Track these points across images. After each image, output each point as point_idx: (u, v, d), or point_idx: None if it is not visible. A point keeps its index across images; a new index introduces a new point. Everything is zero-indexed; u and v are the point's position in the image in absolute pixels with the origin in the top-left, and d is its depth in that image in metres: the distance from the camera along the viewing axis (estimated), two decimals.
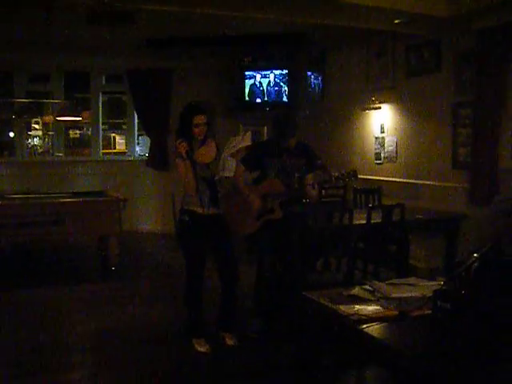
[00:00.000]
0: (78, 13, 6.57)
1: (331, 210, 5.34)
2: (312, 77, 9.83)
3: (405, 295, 3.12)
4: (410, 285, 3.33)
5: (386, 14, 6.41)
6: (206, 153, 4.80)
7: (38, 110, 11.96)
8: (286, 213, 5.07)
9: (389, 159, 8.03)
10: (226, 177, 4.80)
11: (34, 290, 6.74)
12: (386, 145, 8.08)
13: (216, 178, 4.85)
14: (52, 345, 5.04)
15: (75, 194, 8.02)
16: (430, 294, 2.74)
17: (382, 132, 8.15)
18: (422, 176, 7.42)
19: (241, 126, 10.17)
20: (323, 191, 7.13)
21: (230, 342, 4.94)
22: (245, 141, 4.72)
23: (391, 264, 5.94)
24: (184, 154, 4.61)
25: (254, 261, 5.46)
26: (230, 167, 4.77)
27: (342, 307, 2.95)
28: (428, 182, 7.28)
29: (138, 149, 11.22)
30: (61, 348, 5.00)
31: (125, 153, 11.53)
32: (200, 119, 4.70)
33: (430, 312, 2.70)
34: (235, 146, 4.76)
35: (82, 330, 5.47)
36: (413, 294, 3.13)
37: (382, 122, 8.15)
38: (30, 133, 12.07)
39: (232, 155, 4.75)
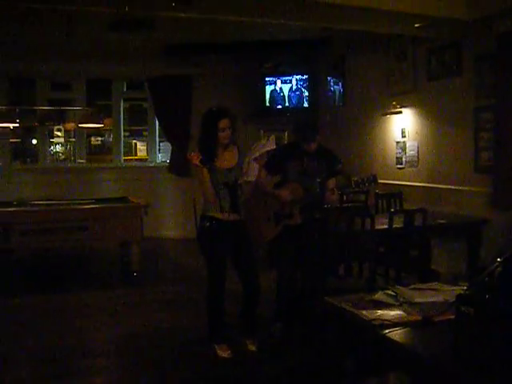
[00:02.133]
0: (100, 21, 6.62)
1: (353, 214, 5.32)
2: (332, 82, 9.82)
3: (428, 300, 3.10)
4: (432, 290, 3.30)
5: (406, 18, 6.39)
6: (229, 158, 4.80)
7: (60, 118, 12.07)
8: (306, 218, 5.06)
9: (410, 164, 7.98)
10: (247, 181, 4.79)
11: (57, 296, 6.79)
12: (407, 149, 8.04)
13: (239, 181, 4.84)
14: (75, 349, 5.07)
15: (97, 201, 8.08)
16: (453, 299, 2.71)
17: (404, 136, 8.11)
18: (443, 180, 7.37)
19: (262, 131, 10.19)
20: (344, 196, 7.12)
21: (251, 347, 4.93)
22: (269, 145, 4.72)
23: (413, 269, 5.91)
24: (198, 163, 4.61)
25: (274, 266, 5.46)
26: (252, 172, 4.76)
27: (365, 312, 2.94)
28: (450, 187, 7.22)
29: (159, 155, 11.27)
30: (84, 353, 5.02)
31: (146, 159, 11.60)
32: (225, 123, 4.69)
33: (453, 317, 2.68)
34: (259, 149, 4.75)
35: (105, 335, 5.51)
36: (436, 299, 3.11)
37: (403, 126, 8.11)
38: (52, 140, 12.19)
39: (256, 159, 4.74)
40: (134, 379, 4.54)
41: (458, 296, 2.61)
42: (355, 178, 5.01)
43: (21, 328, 5.68)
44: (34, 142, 11.69)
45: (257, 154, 4.79)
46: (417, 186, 7.74)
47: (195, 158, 4.60)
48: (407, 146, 8.04)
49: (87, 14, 6.51)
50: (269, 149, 4.88)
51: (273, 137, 5.02)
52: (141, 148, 12.65)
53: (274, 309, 5.37)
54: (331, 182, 5.03)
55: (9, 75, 10.35)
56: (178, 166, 10.43)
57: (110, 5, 5.54)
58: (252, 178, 4.81)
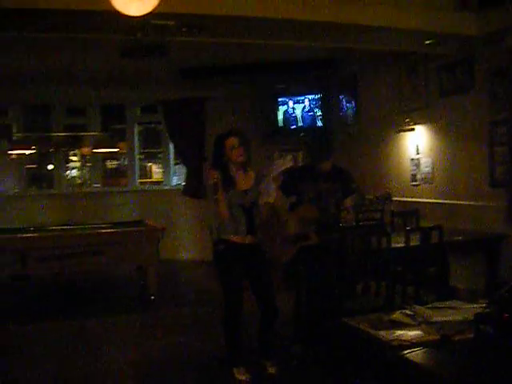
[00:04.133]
0: (113, 47, 6.70)
1: (368, 233, 5.30)
2: (345, 100, 9.84)
3: (446, 319, 3.07)
4: (451, 308, 3.28)
5: (416, 36, 6.41)
6: (245, 180, 4.81)
7: (75, 143, 12.18)
8: (322, 238, 5.05)
9: (425, 180, 7.95)
10: (267, 203, 4.79)
11: (75, 321, 6.79)
12: (421, 166, 8.01)
13: (260, 202, 4.83)
14: (93, 374, 5.07)
15: (114, 225, 8.12)
16: (472, 318, 2.69)
17: (418, 153, 8.09)
18: (459, 196, 7.32)
19: (276, 152, 10.20)
20: (360, 215, 7.10)
21: (270, 369, 4.90)
22: (286, 163, 4.76)
23: (431, 286, 5.86)
24: (212, 185, 4.63)
25: (291, 287, 5.44)
26: (271, 192, 4.77)
27: (383, 333, 2.92)
28: (466, 202, 7.18)
29: (174, 178, 11.31)
30: (102, 377, 5.03)
31: (161, 182, 11.65)
32: (232, 141, 4.72)
33: (472, 336, 2.65)
34: (277, 168, 4.76)
35: (122, 359, 5.49)
36: (454, 318, 3.08)
37: (416, 143, 8.09)
38: (68, 165, 12.27)
39: (273, 179, 4.75)
40: None
41: (477, 315, 2.60)
42: (370, 197, 5.01)
43: (38, 353, 5.69)
44: (50, 167, 11.78)
45: (275, 174, 4.80)
46: (432, 203, 7.70)
47: (213, 177, 4.63)
48: (421, 162, 8.02)
49: (100, 40, 6.59)
50: (286, 167, 4.89)
51: (290, 156, 5.05)
52: (156, 171, 12.68)
53: (293, 330, 5.35)
54: (346, 202, 5.03)
55: (24, 102, 10.47)
56: (193, 188, 10.47)
57: (122, 32, 5.61)
58: (272, 199, 4.81)
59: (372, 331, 2.98)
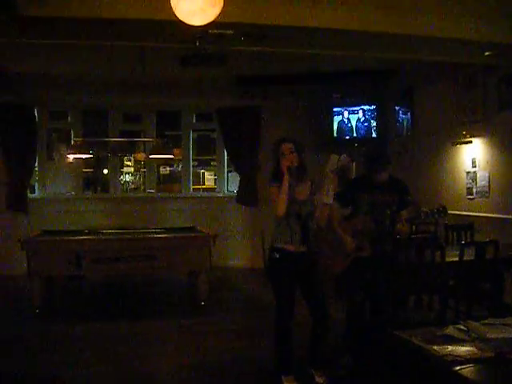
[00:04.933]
0: (171, 55, 6.81)
1: (423, 246, 5.24)
2: (400, 111, 9.76)
3: (501, 336, 3.02)
4: (506, 325, 3.22)
5: (475, 47, 6.34)
6: (302, 190, 4.80)
7: (130, 148, 12.40)
8: (375, 250, 5.02)
9: (481, 194, 7.83)
10: (325, 204, 4.77)
11: (125, 323, 6.89)
12: (478, 179, 7.90)
13: (313, 211, 4.82)
14: (142, 378, 5.15)
15: (166, 230, 8.22)
16: None
17: (474, 166, 7.98)
18: None
19: (332, 154, 10.16)
20: (413, 227, 7.03)
21: (319, 380, 4.87)
22: (342, 160, 4.75)
23: (485, 302, 5.76)
24: (285, 169, 4.65)
25: (344, 298, 5.42)
26: (329, 193, 4.75)
27: (436, 347, 2.89)
28: None
29: (227, 185, 11.39)
30: (150, 381, 5.11)
31: (214, 189, 11.74)
32: (287, 147, 4.74)
33: None
34: (332, 164, 4.75)
35: (170, 364, 5.54)
36: (509, 335, 3.03)
37: (473, 156, 7.98)
38: (122, 170, 12.49)
39: (330, 178, 4.73)
40: None
41: None
42: (425, 209, 4.95)
43: (90, 354, 5.81)
44: (105, 171, 12.01)
45: (330, 169, 4.79)
46: (488, 217, 7.57)
47: (290, 160, 4.67)
48: (478, 176, 7.90)
49: (159, 48, 6.72)
50: (342, 164, 4.87)
51: (344, 155, 5.02)
52: (208, 177, 12.81)
53: (344, 341, 5.32)
54: (402, 214, 4.99)
55: (82, 108, 10.71)
56: (246, 195, 10.53)
57: (182, 40, 5.70)
58: (329, 200, 4.79)
59: (425, 345, 2.95)
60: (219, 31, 5.47)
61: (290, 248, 4.74)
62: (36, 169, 10.62)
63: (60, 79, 9.30)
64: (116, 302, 8.07)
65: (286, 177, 4.66)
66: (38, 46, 6.96)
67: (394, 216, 4.96)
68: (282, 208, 4.67)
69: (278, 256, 4.78)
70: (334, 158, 4.92)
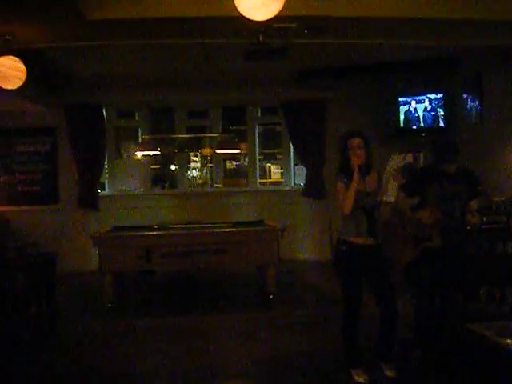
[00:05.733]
0: (235, 50, 6.86)
1: (494, 237, 5.13)
2: (469, 99, 9.54)
3: None
4: None
5: None
6: (368, 182, 4.76)
7: (197, 144, 12.54)
8: (445, 241, 4.94)
9: None
10: (386, 202, 4.74)
11: (193, 318, 7.00)
12: None
13: (379, 203, 4.79)
14: (210, 371, 5.20)
15: (235, 224, 8.28)
16: None
17: None
18: None
19: (396, 153, 10.04)
20: (484, 218, 6.87)
21: (389, 372, 4.83)
22: (404, 160, 4.72)
23: None
24: (355, 167, 4.62)
25: (412, 290, 5.36)
26: (391, 191, 4.72)
27: (509, 341, 2.84)
28: None
29: (293, 178, 11.38)
30: (220, 375, 5.16)
31: (281, 182, 11.76)
32: (355, 142, 4.70)
33: None
34: (393, 165, 4.72)
35: (240, 357, 5.59)
36: None
37: None
38: (189, 165, 12.64)
39: (393, 177, 4.71)
40: None
41: None
42: (496, 200, 4.85)
43: (159, 348, 5.91)
44: (173, 167, 12.18)
45: (391, 169, 4.76)
46: None
47: (358, 161, 4.65)
48: None
49: (224, 44, 6.77)
50: (404, 164, 4.83)
51: (409, 154, 4.97)
52: (275, 171, 12.82)
53: (413, 333, 5.26)
54: (472, 205, 4.89)
55: (149, 106, 10.89)
56: (313, 188, 10.52)
57: (245, 35, 5.73)
58: (391, 198, 4.76)
59: (498, 339, 2.90)
60: (282, 25, 5.47)
61: (358, 241, 4.72)
62: (106, 166, 10.87)
63: (127, 79, 9.51)
64: (186, 297, 8.18)
65: (356, 177, 4.63)
66: (104, 48, 7.13)
67: (463, 207, 4.87)
68: (349, 206, 4.65)
69: (345, 249, 4.77)
70: (397, 157, 4.89)
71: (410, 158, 4.94)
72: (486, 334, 2.98)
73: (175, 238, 7.60)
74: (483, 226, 6.57)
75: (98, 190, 10.67)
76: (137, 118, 11.14)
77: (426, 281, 5.12)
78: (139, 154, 10.55)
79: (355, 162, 4.67)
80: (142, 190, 11.15)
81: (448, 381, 4.60)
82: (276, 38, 5.91)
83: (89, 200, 10.37)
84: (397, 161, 4.79)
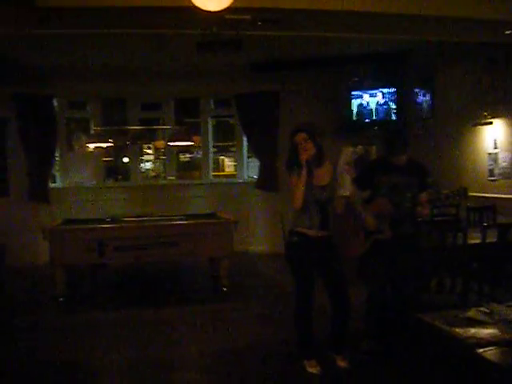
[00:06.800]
0: (188, 42, 6.80)
1: (444, 229, 5.21)
2: (420, 94, 9.68)
3: None
4: None
5: (495, 26, 6.25)
6: (323, 175, 4.79)
7: (150, 136, 12.43)
8: (396, 233, 4.99)
9: (503, 175, 7.75)
10: (343, 196, 4.76)
11: (146, 310, 6.93)
12: (499, 161, 7.82)
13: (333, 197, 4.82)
14: (164, 364, 5.16)
15: (188, 217, 8.24)
16: None
17: (495, 148, 7.90)
18: None
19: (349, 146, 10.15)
20: (435, 210, 6.99)
21: (341, 363, 4.88)
22: (356, 153, 4.77)
23: (508, 284, 5.72)
24: (303, 162, 4.64)
25: (364, 281, 5.41)
26: (346, 185, 4.74)
27: (458, 330, 2.88)
28: None
29: (247, 171, 11.38)
30: (173, 366, 5.12)
31: (234, 175, 11.75)
32: (300, 137, 4.71)
33: None
34: (346, 158, 4.74)
35: (194, 349, 5.56)
36: None
37: (494, 137, 7.90)
38: (142, 158, 12.53)
39: (346, 170, 4.72)
40: None
41: None
42: (445, 191, 4.92)
43: (114, 339, 5.86)
44: (126, 160, 12.06)
45: (343, 162, 4.77)
46: (510, 199, 7.50)
47: (305, 155, 4.66)
48: (499, 157, 7.82)
49: (176, 35, 6.71)
50: (356, 156, 4.86)
51: (360, 147, 5.00)
52: (228, 164, 12.81)
53: (365, 324, 5.31)
54: (422, 196, 4.95)
55: (101, 97, 10.75)
56: (266, 181, 10.53)
57: (198, 27, 5.69)
58: (347, 192, 4.78)
59: (447, 328, 2.94)
60: (236, 16, 5.45)
61: (310, 232, 4.74)
62: (57, 159, 10.69)
63: (78, 69, 9.35)
64: (139, 290, 8.13)
65: (304, 172, 4.66)
66: (55, 37, 7.00)
67: (414, 198, 4.93)
68: (299, 201, 4.68)
69: (296, 240, 4.79)
70: (348, 150, 4.91)
71: (360, 150, 5.00)
72: (436, 323, 3.02)
73: (127, 231, 7.50)
74: (434, 218, 6.69)
75: (49, 183, 10.47)
76: (88, 109, 10.98)
77: (378, 273, 5.18)
78: (91, 146, 10.39)
79: (303, 156, 4.69)
80: (94, 182, 11.00)
81: (399, 371, 4.66)
82: (230, 30, 5.88)
83: (40, 193, 10.16)
84: (348, 154, 4.80)
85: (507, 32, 6.45)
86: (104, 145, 10.03)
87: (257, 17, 5.61)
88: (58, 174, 10.88)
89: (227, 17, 5.34)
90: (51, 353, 5.50)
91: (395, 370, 4.72)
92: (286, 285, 7.06)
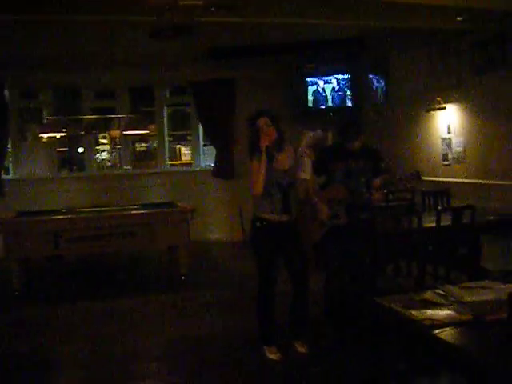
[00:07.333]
0: (141, 29, 6.72)
1: (399, 213, 5.26)
2: (375, 80, 9.74)
3: (479, 299, 3.04)
4: (483, 288, 3.24)
5: (448, 12, 6.31)
6: (284, 159, 4.79)
7: (105, 125, 12.24)
8: (352, 218, 5.03)
9: (457, 160, 7.86)
10: (304, 179, 4.78)
11: (105, 301, 6.88)
12: (453, 145, 7.93)
13: (295, 181, 4.82)
14: (125, 355, 5.12)
15: (144, 206, 8.18)
16: (505, 298, 2.66)
17: (449, 132, 8.00)
18: (492, 176, 7.23)
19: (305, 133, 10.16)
20: (390, 195, 7.05)
21: (301, 349, 4.91)
22: (316, 136, 4.79)
23: (462, 267, 5.81)
24: (263, 147, 4.63)
25: (322, 267, 5.43)
26: (306, 169, 4.76)
27: (414, 312, 2.90)
28: (499, 182, 7.08)
29: (203, 159, 11.33)
30: (135, 357, 5.09)
31: (191, 164, 11.68)
32: (262, 121, 4.72)
33: (505, 316, 2.62)
34: (308, 141, 4.77)
35: (154, 339, 5.55)
36: (487, 298, 3.05)
37: (448, 122, 8.00)
38: (97, 147, 12.35)
39: (307, 154, 4.74)
40: (186, 383, 4.57)
41: (510, 294, 2.56)
42: (398, 176, 4.97)
43: (72, 331, 5.81)
44: (81, 150, 11.87)
45: (305, 145, 4.79)
46: (464, 183, 7.62)
47: (267, 139, 4.64)
48: (453, 142, 7.93)
49: (129, 22, 6.60)
50: (316, 139, 4.87)
51: (319, 130, 5.02)
52: (185, 152, 12.72)
53: (323, 310, 5.34)
54: (376, 181, 5.00)
55: (53, 86, 10.55)
56: (223, 169, 10.51)
57: (151, 13, 5.61)
58: (308, 176, 4.80)
59: (404, 311, 2.96)
60: (189, 2, 5.38)
61: (272, 217, 4.74)
62: (9, 150, 10.46)
63: (29, 58, 9.12)
64: (96, 281, 8.05)
65: (264, 157, 4.64)
66: (2, 25, 6.80)
67: (368, 183, 4.97)
68: (258, 188, 4.68)
69: (259, 225, 4.78)
70: (308, 134, 4.93)
71: (320, 134, 5.03)
72: (392, 306, 3.04)
73: (83, 222, 7.39)
74: (389, 203, 6.75)
75: (2, 175, 10.23)
76: (41, 98, 10.76)
77: (335, 258, 5.21)
78: (44, 136, 10.18)
79: (264, 141, 4.67)
80: (48, 173, 10.81)
81: (358, 355, 4.70)
82: (182, 16, 5.81)
83: None
84: (308, 137, 4.83)
85: (459, 18, 6.51)
86: (58, 135, 9.83)
87: (210, 3, 5.55)
88: (10, 166, 10.67)
89: (180, 3, 5.29)
90: (7, 346, 5.42)
91: (354, 355, 4.77)
92: (244, 272, 7.08)
